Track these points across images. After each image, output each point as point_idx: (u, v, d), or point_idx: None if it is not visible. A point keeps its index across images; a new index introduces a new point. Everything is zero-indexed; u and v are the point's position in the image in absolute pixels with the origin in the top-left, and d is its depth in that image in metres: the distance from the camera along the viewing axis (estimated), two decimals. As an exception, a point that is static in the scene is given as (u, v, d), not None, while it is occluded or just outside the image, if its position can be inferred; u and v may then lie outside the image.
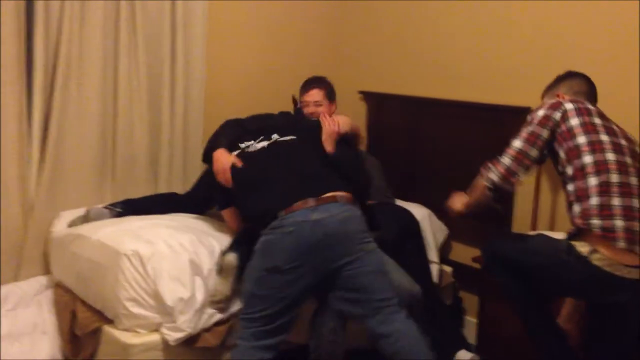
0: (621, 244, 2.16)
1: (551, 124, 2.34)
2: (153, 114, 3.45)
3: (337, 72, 4.22)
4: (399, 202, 3.44)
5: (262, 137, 2.74)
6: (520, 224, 3.33)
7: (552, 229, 3.21)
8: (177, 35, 3.46)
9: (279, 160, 2.61)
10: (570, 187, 2.30)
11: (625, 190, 2.22)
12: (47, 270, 3.12)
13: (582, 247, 2.20)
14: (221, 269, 2.62)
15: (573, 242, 2.24)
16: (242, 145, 2.73)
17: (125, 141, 3.36)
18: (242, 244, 2.65)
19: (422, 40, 3.82)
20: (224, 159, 2.65)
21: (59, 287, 2.99)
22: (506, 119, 3.30)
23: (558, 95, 2.49)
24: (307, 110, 3.18)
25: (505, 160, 2.37)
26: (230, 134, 2.83)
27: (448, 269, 3.55)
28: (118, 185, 3.37)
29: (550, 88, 2.62)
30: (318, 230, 2.30)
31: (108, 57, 3.26)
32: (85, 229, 2.85)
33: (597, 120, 2.34)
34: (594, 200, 2.21)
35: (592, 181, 2.23)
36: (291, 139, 2.72)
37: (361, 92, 4.12)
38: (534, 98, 3.24)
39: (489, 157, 3.35)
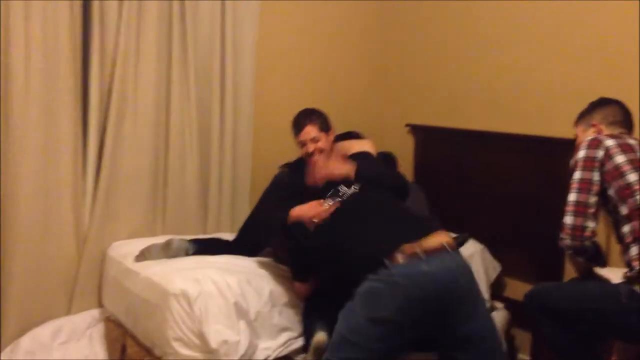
0: None
1: (597, 164, 2.25)
2: (203, 148, 3.51)
3: (384, 105, 4.23)
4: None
5: (328, 195, 2.62)
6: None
7: (607, 264, 3.11)
8: (227, 71, 3.53)
9: (362, 211, 2.45)
10: (626, 227, 2.20)
11: None
12: (98, 304, 3.18)
13: None
14: (309, 348, 2.49)
15: (635, 286, 2.13)
16: None
17: (176, 175, 3.41)
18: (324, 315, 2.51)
19: (469, 73, 3.79)
20: (314, 205, 2.58)
21: (110, 321, 3.05)
22: (556, 151, 3.24)
23: (593, 125, 2.42)
24: (307, 149, 3.01)
25: (567, 219, 2.24)
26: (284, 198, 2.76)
27: (499, 304, 3.46)
28: (169, 218, 3.42)
29: (584, 116, 2.53)
30: (429, 284, 2.12)
31: (160, 93, 3.33)
32: (135, 264, 2.89)
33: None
34: None
35: None
36: (354, 191, 2.60)
37: (408, 125, 4.10)
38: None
39: (538, 189, 3.35)
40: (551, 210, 3.28)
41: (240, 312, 2.56)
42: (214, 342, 2.43)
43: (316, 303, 2.63)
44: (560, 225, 2.27)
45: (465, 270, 2.25)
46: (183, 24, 3.34)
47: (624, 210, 2.21)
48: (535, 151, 3.39)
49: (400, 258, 2.13)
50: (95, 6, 3.06)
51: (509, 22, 3.56)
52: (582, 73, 3.22)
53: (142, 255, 2.94)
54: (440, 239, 2.23)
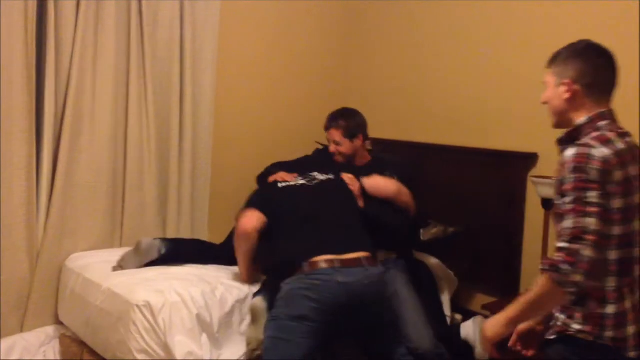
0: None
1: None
2: (162, 160, 3.48)
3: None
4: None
5: (303, 175, 2.88)
6: (531, 268, 3.32)
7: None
8: (186, 84, 3.52)
9: (313, 203, 2.74)
10: None
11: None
12: (53, 321, 3.10)
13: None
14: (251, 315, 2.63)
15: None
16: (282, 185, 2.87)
17: (134, 187, 3.37)
18: (268, 289, 2.67)
19: (425, 88, 3.87)
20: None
21: (66, 337, 2.96)
22: (508, 164, 3.35)
23: (565, 84, 1.88)
24: (331, 148, 3.23)
25: (586, 251, 1.66)
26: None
27: (458, 317, 3.51)
28: (127, 230, 3.36)
29: (558, 63, 1.93)
30: (342, 293, 2.41)
31: (118, 106, 3.29)
32: (96, 276, 2.83)
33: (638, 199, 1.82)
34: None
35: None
36: (328, 179, 2.86)
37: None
38: (536, 143, 3.27)
39: (496, 202, 3.42)
40: (506, 224, 3.40)
41: (203, 324, 2.55)
42: (179, 354, 2.40)
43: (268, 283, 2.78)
44: (563, 251, 1.69)
45: (375, 282, 2.51)
46: (141, 37, 3.33)
47: None
48: (488, 164, 3.47)
49: (318, 265, 2.43)
50: (51, 18, 3.02)
51: (466, 40, 3.66)
52: (533, 89, 3.32)
53: (119, 266, 2.91)
54: (359, 254, 2.52)
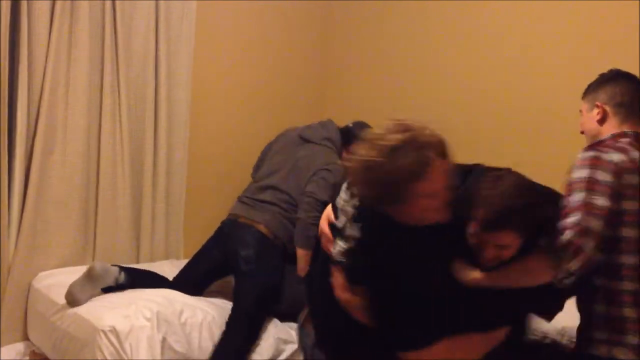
0: None
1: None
2: (135, 176, 3.46)
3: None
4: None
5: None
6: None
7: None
8: (160, 98, 3.49)
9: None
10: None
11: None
12: (24, 337, 3.07)
13: None
14: None
15: None
16: None
17: (107, 204, 3.34)
18: None
19: (411, 104, 3.86)
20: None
21: (36, 354, 2.95)
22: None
23: (597, 107, 2.01)
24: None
25: (590, 244, 1.70)
26: None
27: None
28: (99, 247, 3.33)
29: (590, 91, 2.08)
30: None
31: (92, 121, 3.27)
32: (62, 298, 2.78)
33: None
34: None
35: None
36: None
37: (344, 153, 4.12)
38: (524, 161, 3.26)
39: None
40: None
41: (171, 349, 2.54)
42: (145, 380, 2.39)
43: None
44: (567, 242, 1.71)
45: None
46: (115, 50, 3.30)
47: None
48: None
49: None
50: (24, 30, 2.98)
51: (451, 53, 3.67)
52: (524, 109, 3.32)
53: (70, 296, 2.72)
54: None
